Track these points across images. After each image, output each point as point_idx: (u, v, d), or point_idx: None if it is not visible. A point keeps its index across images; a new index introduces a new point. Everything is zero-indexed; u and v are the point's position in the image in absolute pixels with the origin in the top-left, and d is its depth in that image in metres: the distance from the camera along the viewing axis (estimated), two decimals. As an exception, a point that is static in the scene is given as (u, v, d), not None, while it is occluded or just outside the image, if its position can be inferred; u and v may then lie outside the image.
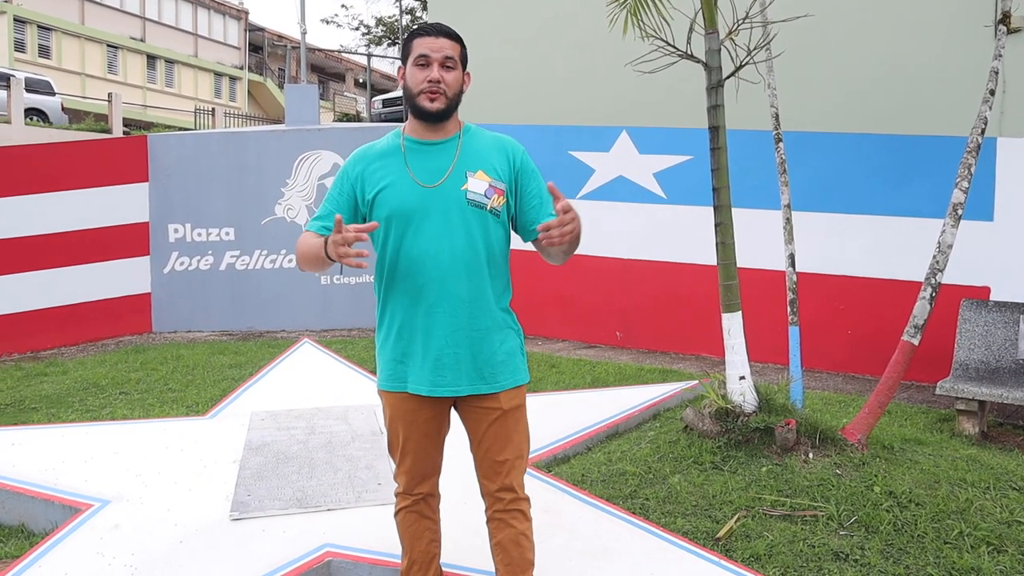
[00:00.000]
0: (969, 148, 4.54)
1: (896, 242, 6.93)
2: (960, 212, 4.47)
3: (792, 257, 5.06)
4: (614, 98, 8.56)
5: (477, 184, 2.39)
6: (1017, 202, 6.43)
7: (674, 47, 4.40)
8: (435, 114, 2.37)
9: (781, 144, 5.15)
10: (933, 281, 4.47)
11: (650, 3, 4.91)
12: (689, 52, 4.41)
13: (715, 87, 4.42)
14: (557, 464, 4.46)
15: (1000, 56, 4.66)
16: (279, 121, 25.20)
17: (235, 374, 6.83)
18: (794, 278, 5.04)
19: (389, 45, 21.70)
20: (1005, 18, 4.68)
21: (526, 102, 9.15)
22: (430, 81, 2.33)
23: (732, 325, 4.58)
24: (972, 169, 4.51)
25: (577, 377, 6.69)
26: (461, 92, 2.44)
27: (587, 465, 4.43)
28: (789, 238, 5.08)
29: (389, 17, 21.54)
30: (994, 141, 6.50)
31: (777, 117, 5.18)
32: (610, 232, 8.62)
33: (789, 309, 5.01)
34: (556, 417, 5.20)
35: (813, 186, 7.03)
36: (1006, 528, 3.67)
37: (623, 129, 8.58)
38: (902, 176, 6.90)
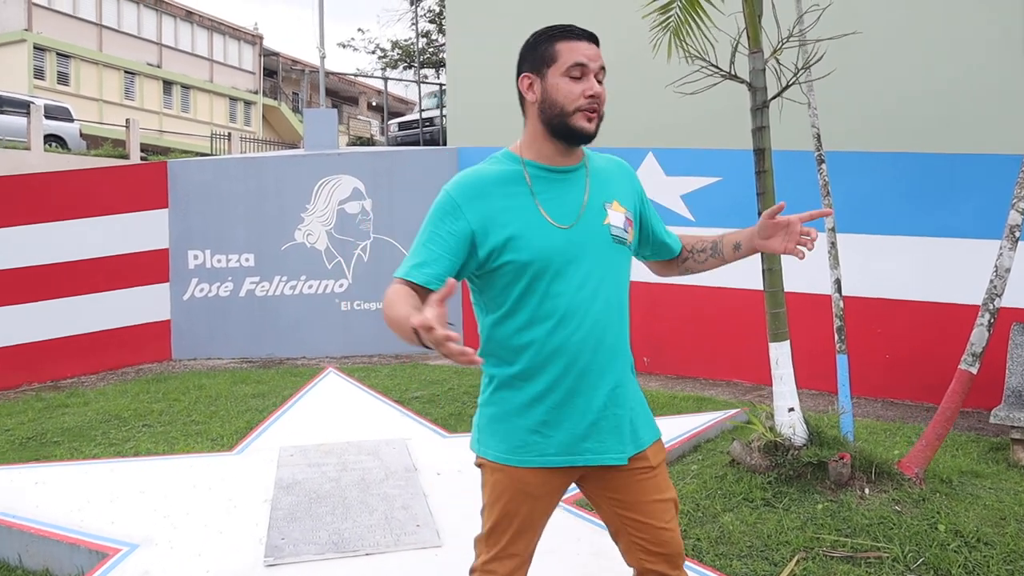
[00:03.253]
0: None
1: (934, 263, 6.75)
2: (1018, 234, 4.29)
3: (838, 282, 4.88)
4: (640, 120, 8.44)
5: (616, 217, 2.03)
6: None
7: (718, 68, 4.26)
8: (591, 136, 1.95)
9: (824, 166, 4.99)
10: (991, 307, 4.28)
11: (693, 24, 4.79)
12: (733, 72, 4.27)
13: (760, 108, 4.27)
14: (600, 501, 4.27)
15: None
16: (294, 145, 25.27)
17: (259, 404, 6.68)
18: (841, 304, 4.85)
19: (405, 68, 21.73)
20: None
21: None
22: (590, 96, 1.91)
23: (780, 355, 4.40)
24: (1030, 189, 4.32)
25: (609, 406, 6.50)
26: None
27: (631, 502, 4.24)
28: (835, 263, 4.91)
29: (405, 40, 21.57)
30: (1019, 159, 6.32)
31: (819, 138, 5.02)
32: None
33: (836, 336, 4.83)
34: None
35: (850, 207, 6.86)
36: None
37: (649, 151, 8.44)
38: (940, 196, 6.72)
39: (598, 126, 1.94)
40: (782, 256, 4.39)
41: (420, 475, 4.51)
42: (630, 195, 2.11)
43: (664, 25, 5.08)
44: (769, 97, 4.27)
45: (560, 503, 4.04)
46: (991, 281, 4.32)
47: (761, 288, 7.94)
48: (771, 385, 7.70)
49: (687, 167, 8.24)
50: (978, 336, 4.27)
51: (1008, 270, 4.28)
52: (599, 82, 1.95)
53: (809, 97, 5.06)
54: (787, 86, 4.23)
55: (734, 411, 5.94)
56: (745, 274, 7.83)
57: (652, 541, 2.04)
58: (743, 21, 4.36)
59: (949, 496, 4.11)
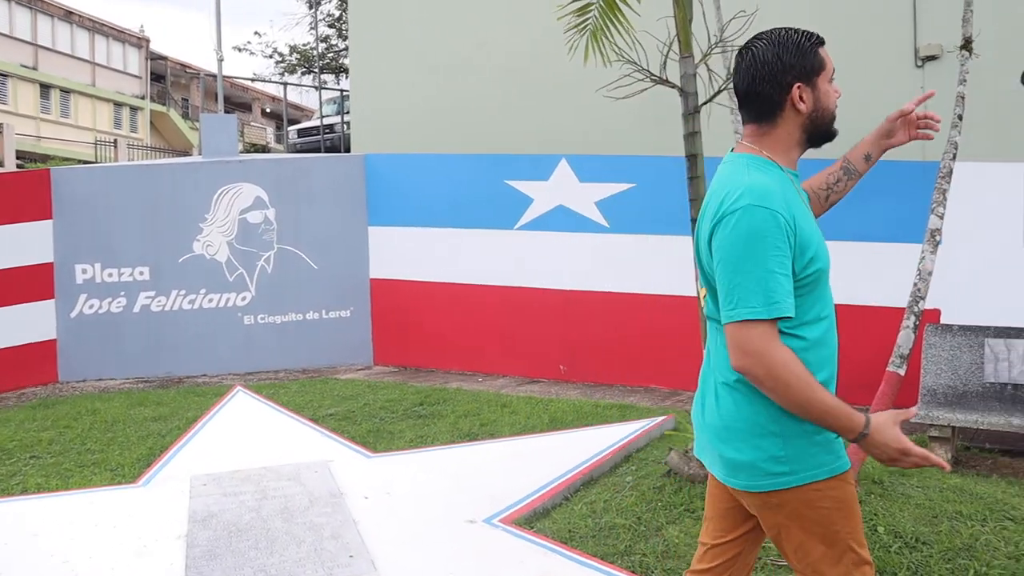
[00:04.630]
0: (942, 173, 4.47)
1: (849, 267, 6.89)
2: (938, 238, 4.38)
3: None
4: (552, 126, 8.37)
5: None
6: (965, 224, 6.47)
7: (649, 72, 4.18)
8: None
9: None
10: (916, 309, 4.35)
11: (613, 27, 4.71)
12: (664, 77, 4.20)
13: (692, 113, 4.22)
14: (538, 519, 4.12)
15: (964, 81, 4.62)
16: (185, 153, 24.26)
17: (161, 428, 6.23)
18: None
19: (304, 74, 21.13)
20: (967, 43, 4.64)
21: (458, 130, 8.88)
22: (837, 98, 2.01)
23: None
24: (947, 194, 4.42)
25: (533, 417, 6.36)
26: None
27: (571, 519, 4.10)
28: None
29: (304, 45, 20.96)
30: (936, 165, 6.54)
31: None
32: (551, 263, 8.40)
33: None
34: (526, 465, 4.87)
35: None
36: (1015, 564, 3.52)
37: (562, 157, 8.38)
38: (853, 201, 6.87)
39: None
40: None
41: (347, 500, 4.25)
42: None
43: (581, 27, 4.99)
44: (701, 102, 4.22)
45: (502, 524, 3.90)
46: (915, 284, 4.39)
47: (675, 294, 8.07)
48: (688, 390, 7.76)
49: (601, 173, 8.21)
50: (904, 338, 4.33)
51: (930, 273, 4.36)
52: None
53: (733, 102, 5.05)
54: (719, 91, 4.19)
55: (662, 418, 5.89)
56: (660, 280, 7.89)
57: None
58: (670, 25, 4.30)
59: (883, 497, 4.14)
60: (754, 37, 1.99)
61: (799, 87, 1.91)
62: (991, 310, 5.89)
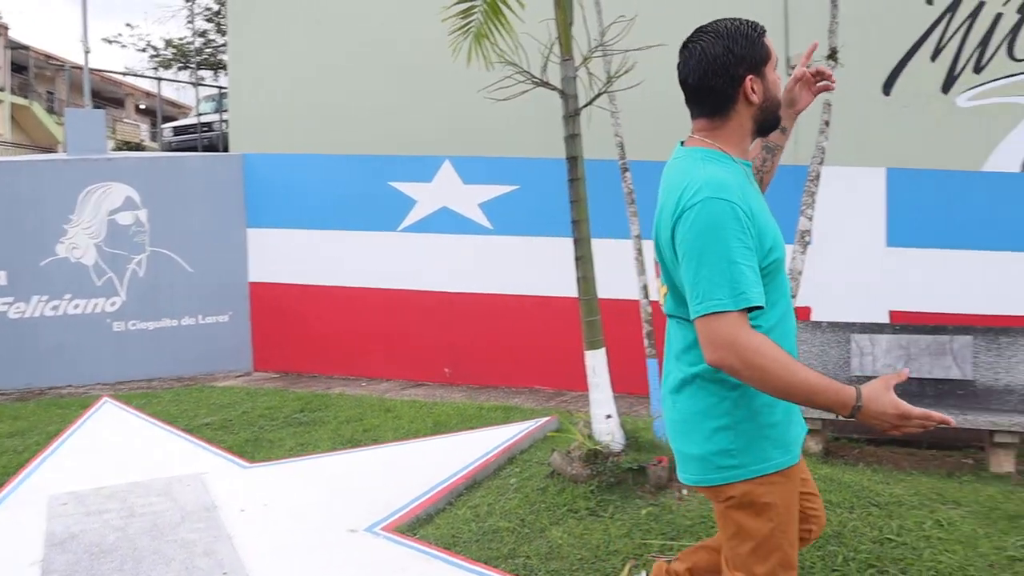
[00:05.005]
0: (811, 177, 4.66)
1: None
2: (808, 239, 4.56)
3: (645, 288, 4.98)
4: (436, 127, 8.31)
5: None
6: (832, 225, 6.78)
7: (531, 74, 4.18)
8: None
9: (628, 174, 5.08)
10: (786, 309, 4.52)
11: (496, 30, 4.70)
12: (545, 79, 4.21)
13: (573, 115, 4.25)
14: (421, 525, 4.05)
15: (832, 90, 4.82)
16: (50, 150, 22.88)
17: (17, 444, 5.82)
18: (649, 309, 4.95)
19: (179, 69, 20.24)
20: (833, 53, 4.86)
21: (341, 130, 8.71)
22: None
23: (596, 363, 4.40)
24: (815, 197, 4.62)
25: (417, 422, 6.29)
26: None
27: (455, 524, 4.05)
28: (641, 269, 5.00)
29: (180, 39, 20.07)
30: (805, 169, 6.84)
31: (623, 147, 5.11)
32: (435, 265, 8.34)
33: (646, 341, 4.92)
34: (409, 470, 4.80)
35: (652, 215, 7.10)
36: (880, 548, 3.68)
37: (446, 159, 8.33)
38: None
39: None
40: (595, 263, 4.40)
41: (221, 513, 4.07)
42: None
43: (465, 29, 4.97)
44: (581, 105, 4.26)
45: (383, 532, 3.82)
46: (785, 284, 4.56)
47: (559, 295, 8.14)
48: (573, 390, 7.85)
49: (485, 175, 8.21)
50: (776, 336, 4.48)
51: (800, 273, 4.54)
52: None
53: (613, 106, 5.14)
54: (599, 93, 4.24)
55: (545, 419, 5.92)
56: (544, 282, 7.95)
57: (817, 506, 2.22)
58: (553, 29, 4.32)
59: (757, 491, 4.28)
60: (697, 31, 1.95)
61: (751, 79, 1.90)
62: (855, 307, 6.20)
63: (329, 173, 8.78)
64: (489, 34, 4.92)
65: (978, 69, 8.59)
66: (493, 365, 8.19)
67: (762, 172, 2.28)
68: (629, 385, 7.02)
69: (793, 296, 4.51)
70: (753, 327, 1.80)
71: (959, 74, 8.48)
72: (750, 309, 1.75)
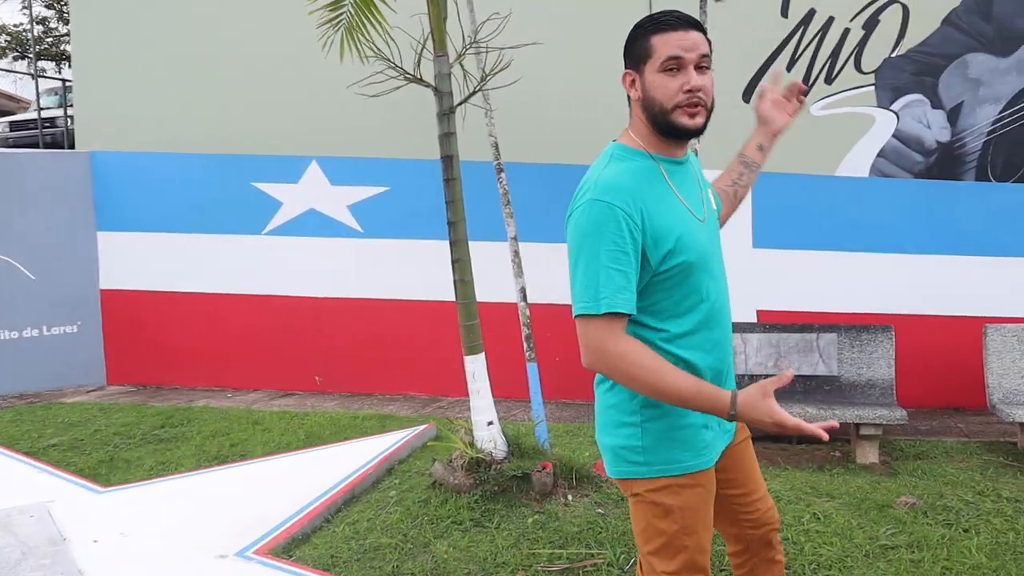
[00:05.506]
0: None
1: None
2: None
3: (524, 291, 4.91)
4: (302, 125, 7.99)
5: (713, 200, 2.04)
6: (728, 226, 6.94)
7: (403, 70, 4.02)
8: (697, 132, 1.84)
9: (503, 175, 4.99)
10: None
11: (368, 24, 4.52)
12: (419, 76, 4.06)
13: (447, 113, 4.12)
14: (297, 546, 3.82)
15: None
16: None
17: None
18: (528, 312, 4.88)
19: (16, 59, 18.71)
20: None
21: (200, 128, 8.24)
22: (688, 91, 1.79)
23: (476, 368, 4.29)
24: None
25: (288, 434, 6.00)
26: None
27: (333, 542, 3.84)
28: (519, 271, 4.93)
29: (16, 26, 18.54)
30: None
31: (497, 147, 5.02)
32: (303, 269, 8.03)
33: (525, 345, 4.85)
34: (282, 487, 4.54)
35: (529, 216, 7.09)
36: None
37: (313, 159, 8.03)
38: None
39: (706, 119, 1.83)
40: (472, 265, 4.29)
41: (71, 546, 3.71)
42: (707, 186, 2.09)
43: (335, 23, 4.76)
44: (456, 102, 4.13)
45: (256, 556, 3.57)
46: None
47: (432, 299, 7.99)
48: (449, 395, 7.72)
49: (353, 176, 7.96)
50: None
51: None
52: (703, 70, 1.82)
53: (487, 105, 5.04)
54: (475, 91, 4.13)
55: (422, 427, 5.77)
56: (417, 285, 7.78)
57: (761, 509, 2.09)
58: (424, 23, 4.18)
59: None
60: None
61: (628, 74, 1.90)
62: (735, 310, 6.34)
63: (187, 173, 8.29)
64: (361, 27, 4.73)
65: (829, 80, 9.03)
66: (366, 372, 7.96)
67: (737, 186, 2.28)
68: (510, 389, 6.96)
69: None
70: (656, 332, 1.85)
71: (812, 84, 8.90)
72: (618, 315, 1.75)
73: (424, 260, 7.64)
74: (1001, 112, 7.43)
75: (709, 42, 1.86)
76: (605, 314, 1.73)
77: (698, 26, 1.83)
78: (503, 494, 4.09)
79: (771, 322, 5.65)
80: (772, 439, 5.68)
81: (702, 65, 1.82)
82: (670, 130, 1.84)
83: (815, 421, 1.76)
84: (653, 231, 1.78)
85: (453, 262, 4.24)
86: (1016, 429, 5.28)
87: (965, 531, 3.86)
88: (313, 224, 8.05)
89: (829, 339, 5.52)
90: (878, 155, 8.98)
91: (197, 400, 7.56)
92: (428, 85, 4.10)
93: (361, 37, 4.58)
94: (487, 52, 4.12)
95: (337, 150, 7.98)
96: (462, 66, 4.24)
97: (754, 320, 6.79)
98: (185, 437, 5.96)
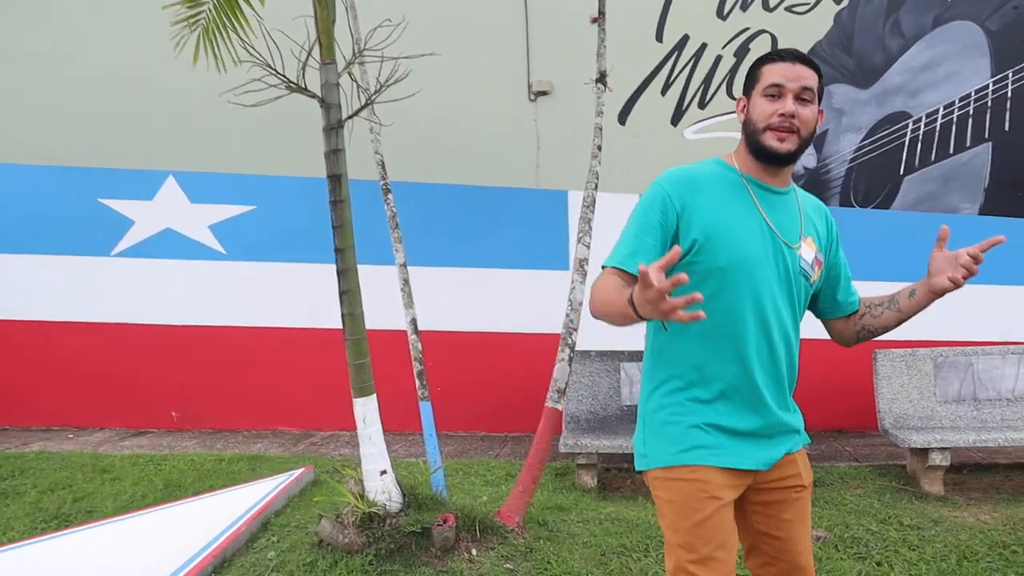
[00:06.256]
0: (586, 203, 4.45)
1: (480, 293, 6.85)
2: (587, 267, 4.33)
3: (415, 322, 4.50)
4: (157, 137, 7.27)
5: (808, 252, 2.04)
6: (592, 252, 6.75)
7: (285, 77, 3.55)
8: (784, 156, 1.94)
9: (390, 195, 4.58)
10: (570, 340, 4.26)
11: (232, 25, 4.02)
12: (303, 85, 3.61)
13: (335, 128, 3.67)
14: (160, 630, 3.26)
15: (601, 113, 4.68)
16: None
17: None
18: (419, 346, 4.48)
19: None
20: (602, 77, 4.71)
21: (37, 136, 7.36)
22: (782, 115, 1.92)
23: (367, 412, 3.83)
24: (591, 224, 4.41)
25: (143, 483, 5.30)
26: (814, 133, 1.98)
27: (204, 623, 3.30)
28: (409, 300, 4.52)
29: None
30: (565, 194, 6.76)
31: (383, 165, 4.61)
32: (158, 295, 7.29)
33: (418, 382, 4.43)
34: (138, 554, 3.92)
35: (416, 239, 6.70)
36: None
37: (169, 174, 7.32)
38: (482, 227, 6.85)
39: (797, 147, 1.93)
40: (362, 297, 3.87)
41: None
42: (824, 237, 2.12)
43: (192, 21, 4.24)
44: (344, 116, 3.70)
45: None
46: (567, 315, 4.30)
47: (302, 326, 7.42)
48: (321, 430, 7.17)
49: (215, 194, 7.31)
50: (561, 372, 4.20)
51: (581, 303, 4.30)
52: (804, 102, 1.94)
53: (375, 118, 4.62)
54: (367, 103, 3.70)
55: (299, 471, 5.23)
56: (289, 312, 7.21)
57: (783, 564, 2.09)
58: (309, 26, 3.74)
59: (551, 540, 3.95)
60: None
61: (741, 99, 2.05)
62: (617, 334, 6.14)
63: (22, 187, 7.38)
64: (223, 28, 4.23)
65: (702, 105, 9.14)
66: (230, 406, 7.30)
67: (869, 314, 2.18)
68: (399, 422, 6.51)
69: (575, 329, 4.26)
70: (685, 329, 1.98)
71: (686, 108, 8.98)
72: (620, 271, 1.88)
73: (294, 285, 7.10)
74: (862, 141, 7.66)
75: (820, 78, 1.98)
76: (610, 267, 1.91)
77: (809, 63, 1.95)
78: (400, 552, 3.65)
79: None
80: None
81: (803, 97, 1.94)
82: (759, 150, 1.96)
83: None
84: (688, 219, 1.92)
85: (341, 293, 3.78)
86: (905, 452, 5.31)
87: (879, 564, 3.78)
88: (170, 245, 7.33)
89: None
90: (751, 179, 9.10)
91: (31, 444, 6.67)
92: (313, 95, 3.65)
93: (224, 40, 4.09)
94: (383, 61, 3.71)
95: (197, 165, 7.32)
96: (351, 76, 3.82)
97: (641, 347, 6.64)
98: (17, 492, 5.16)
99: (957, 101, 9.04)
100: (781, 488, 2.06)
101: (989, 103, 9.03)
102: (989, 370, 5.23)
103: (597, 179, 4.49)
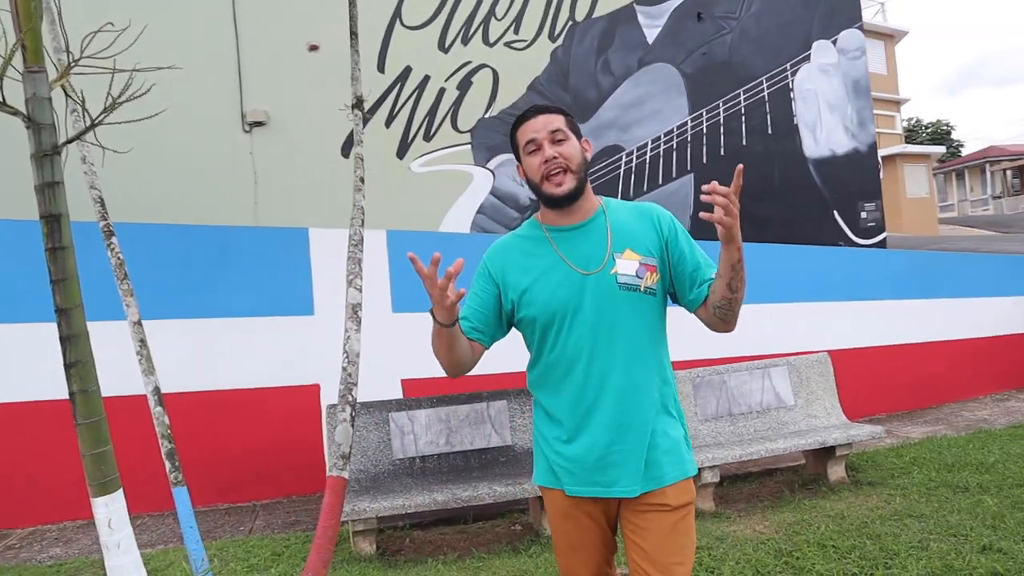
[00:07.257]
0: (354, 241, 3.96)
1: (215, 346, 6.02)
2: (360, 314, 3.84)
3: (158, 391, 3.70)
4: None
5: (627, 265, 2.10)
6: (327, 293, 6.20)
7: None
8: (567, 196, 2.12)
9: (114, 239, 3.76)
10: (350, 398, 3.71)
11: None
12: (2, 99, 2.76)
13: (50, 154, 2.85)
14: None
15: (361, 142, 4.23)
16: None
17: None
18: (167, 421, 3.68)
19: None
20: (359, 103, 4.26)
21: None
22: (546, 162, 2.10)
23: (113, 513, 2.99)
24: (362, 264, 3.93)
25: None
26: (585, 162, 2.17)
27: None
28: (149, 367, 3.71)
29: None
30: (307, 232, 6.16)
31: (103, 202, 3.78)
32: None
33: (168, 464, 3.62)
34: None
35: (158, 287, 5.71)
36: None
37: None
38: (218, 272, 6.04)
39: (576, 182, 2.12)
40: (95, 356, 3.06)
41: None
42: (653, 241, 2.16)
43: None
44: (63, 140, 2.89)
45: None
46: (344, 369, 3.76)
47: (44, 399, 5.93)
48: (18, 527, 5.83)
49: None
50: (343, 434, 3.64)
51: (359, 354, 3.79)
52: (560, 141, 2.12)
53: (82, 150, 3.77)
54: (94, 124, 2.91)
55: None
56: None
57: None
58: (7, 26, 2.91)
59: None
60: None
61: (519, 165, 2.23)
62: (372, 380, 5.65)
63: None
64: None
65: (428, 137, 8.99)
66: None
67: (713, 292, 2.16)
68: (145, 503, 5.50)
69: (355, 384, 3.72)
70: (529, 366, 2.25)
71: (412, 141, 8.77)
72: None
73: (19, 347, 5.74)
74: (582, 173, 7.98)
75: (568, 116, 2.16)
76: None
77: (550, 109, 2.16)
78: None
79: (439, 394, 5.10)
80: (446, 521, 5.13)
81: (557, 138, 2.12)
82: (546, 200, 2.16)
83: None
84: (505, 282, 2.20)
85: (68, 366, 2.93)
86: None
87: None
88: None
89: (500, 407, 5.14)
90: (478, 211, 9.15)
91: None
92: (16, 113, 2.81)
93: None
94: (114, 73, 2.94)
95: None
96: (68, 87, 3.02)
97: (399, 392, 6.21)
98: None
99: (663, 136, 9.75)
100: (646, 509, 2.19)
101: (689, 138, 9.85)
102: (740, 385, 5.48)
103: (363, 214, 4.03)
